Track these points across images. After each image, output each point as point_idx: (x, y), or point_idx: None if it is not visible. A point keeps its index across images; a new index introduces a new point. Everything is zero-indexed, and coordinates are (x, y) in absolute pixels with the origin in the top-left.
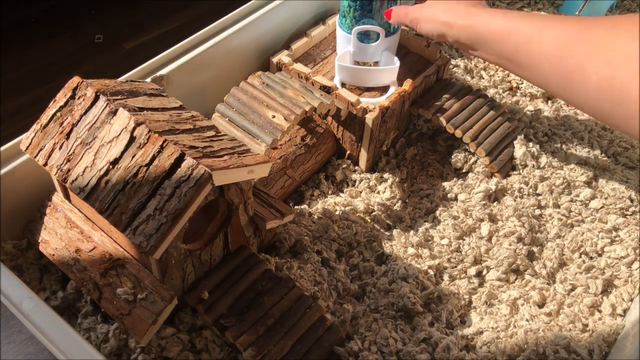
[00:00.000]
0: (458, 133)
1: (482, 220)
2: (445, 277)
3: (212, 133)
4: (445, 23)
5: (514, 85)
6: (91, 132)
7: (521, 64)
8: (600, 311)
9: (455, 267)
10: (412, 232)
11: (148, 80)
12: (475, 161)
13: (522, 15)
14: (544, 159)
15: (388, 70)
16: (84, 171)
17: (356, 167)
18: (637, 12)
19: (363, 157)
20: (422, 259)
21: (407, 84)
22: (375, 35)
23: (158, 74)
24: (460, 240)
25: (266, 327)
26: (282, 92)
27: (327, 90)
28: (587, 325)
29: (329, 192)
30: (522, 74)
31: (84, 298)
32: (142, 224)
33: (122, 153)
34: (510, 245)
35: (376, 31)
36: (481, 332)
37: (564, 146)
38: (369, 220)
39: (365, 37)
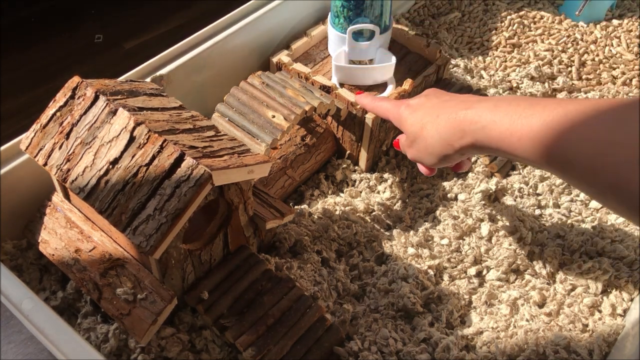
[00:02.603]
0: None
1: (482, 220)
2: (445, 277)
3: (212, 133)
4: (441, 147)
5: (514, 85)
6: (91, 132)
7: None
8: (600, 311)
9: (455, 267)
10: (412, 232)
11: (148, 80)
12: (475, 161)
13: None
14: None
15: (385, 67)
16: (83, 171)
17: (356, 167)
18: (637, 12)
19: (363, 157)
20: (422, 259)
21: (407, 84)
22: (369, 33)
23: (158, 73)
24: (460, 240)
25: (266, 327)
26: (282, 92)
27: (327, 90)
28: (587, 325)
29: (329, 192)
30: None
31: (83, 298)
32: (142, 224)
33: (122, 153)
34: (510, 245)
35: (370, 29)
36: (481, 332)
37: None
38: (369, 220)
39: (359, 36)
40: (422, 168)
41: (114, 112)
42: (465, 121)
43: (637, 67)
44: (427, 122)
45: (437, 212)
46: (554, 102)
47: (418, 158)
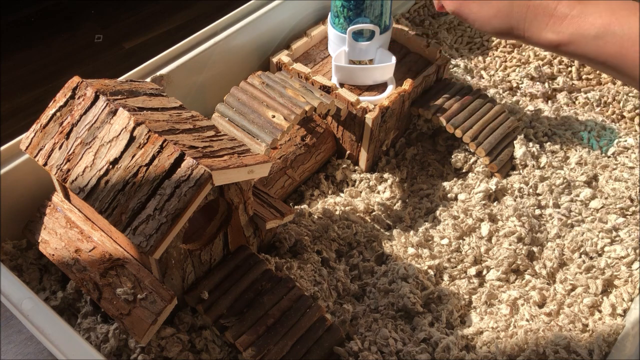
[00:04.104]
0: (458, 133)
1: (482, 220)
2: (445, 277)
3: (212, 133)
4: (516, 30)
5: (514, 85)
6: (91, 132)
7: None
8: (600, 311)
9: (455, 267)
10: (412, 232)
11: (148, 80)
12: (475, 161)
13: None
14: (544, 159)
15: (385, 67)
16: (83, 171)
17: (356, 167)
18: None
19: (363, 157)
20: (422, 259)
21: (407, 84)
22: (369, 33)
23: (158, 73)
24: (460, 240)
25: (266, 327)
26: (282, 92)
27: (327, 90)
28: (587, 325)
29: (329, 192)
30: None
31: (83, 298)
32: (142, 224)
33: (122, 153)
34: (510, 245)
35: (371, 29)
36: (481, 332)
37: (564, 146)
38: (369, 220)
39: (359, 36)
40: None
41: (114, 112)
42: (568, 24)
43: None
44: None
45: (437, 212)
46: None
47: (469, 17)
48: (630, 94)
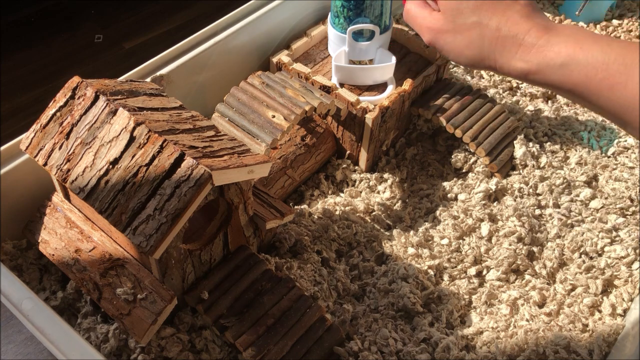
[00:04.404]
0: (458, 133)
1: (482, 220)
2: (445, 277)
3: (212, 133)
4: (486, 61)
5: (514, 85)
6: (91, 132)
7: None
8: (600, 311)
9: (455, 267)
10: (412, 232)
11: (148, 80)
12: (475, 161)
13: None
14: (544, 159)
15: (385, 67)
16: (83, 171)
17: (356, 167)
18: (637, 12)
19: (363, 157)
20: (422, 259)
21: (407, 84)
22: (369, 33)
23: (158, 73)
24: (460, 240)
25: (266, 327)
26: (282, 92)
27: (327, 90)
28: (587, 325)
29: (329, 192)
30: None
31: (83, 298)
32: (142, 224)
33: (122, 153)
34: (510, 245)
35: (371, 29)
36: (481, 332)
37: (564, 146)
38: (369, 220)
39: (359, 36)
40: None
41: (114, 112)
42: (535, 52)
43: None
44: (482, 23)
45: (437, 212)
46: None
47: (443, 48)
48: None
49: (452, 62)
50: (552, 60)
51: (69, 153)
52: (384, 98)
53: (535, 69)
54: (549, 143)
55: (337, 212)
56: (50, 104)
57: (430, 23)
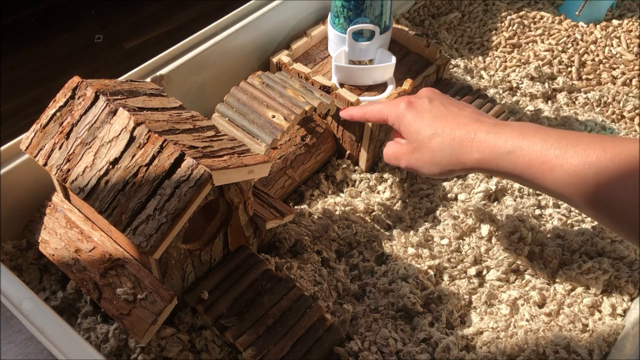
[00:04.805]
0: None
1: (482, 220)
2: (445, 277)
3: (212, 133)
4: (450, 162)
5: (514, 85)
6: (91, 132)
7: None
8: (600, 311)
9: (455, 267)
10: (412, 232)
11: (148, 80)
12: None
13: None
14: None
15: (385, 67)
16: (83, 171)
17: (356, 167)
18: (637, 12)
19: (363, 157)
20: (422, 259)
21: (407, 84)
22: (369, 33)
23: (158, 73)
24: (460, 240)
25: (266, 327)
26: (282, 92)
27: (327, 90)
28: (587, 325)
29: (329, 192)
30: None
31: (83, 298)
32: (142, 224)
33: (122, 153)
34: (510, 245)
35: (371, 29)
36: (481, 332)
37: None
38: (369, 220)
39: (359, 36)
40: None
41: (114, 112)
42: (486, 144)
43: (637, 67)
44: (438, 133)
45: (437, 212)
46: (586, 140)
47: (416, 167)
48: (630, 94)
49: (452, 62)
50: (501, 148)
51: (69, 153)
52: (384, 98)
53: (489, 158)
54: None
55: (337, 212)
56: (50, 104)
57: (401, 151)
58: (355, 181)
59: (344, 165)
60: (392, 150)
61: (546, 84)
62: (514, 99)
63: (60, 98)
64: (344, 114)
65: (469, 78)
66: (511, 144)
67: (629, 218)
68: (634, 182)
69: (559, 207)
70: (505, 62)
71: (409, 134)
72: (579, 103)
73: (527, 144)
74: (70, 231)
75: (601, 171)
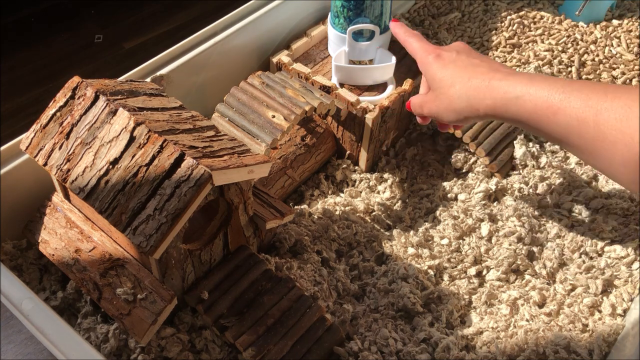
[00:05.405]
0: (458, 133)
1: (482, 220)
2: (445, 277)
3: (212, 133)
4: (465, 108)
5: None
6: (91, 132)
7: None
8: (600, 311)
9: (455, 267)
10: (412, 232)
11: (148, 80)
12: (475, 161)
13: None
14: (544, 159)
15: (385, 67)
16: (83, 171)
17: (356, 167)
18: (637, 12)
19: (363, 157)
20: (422, 259)
21: (407, 84)
22: (369, 33)
23: (158, 73)
24: (460, 240)
25: (266, 327)
26: (282, 92)
27: (327, 90)
28: (587, 325)
29: (329, 192)
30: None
31: (83, 298)
32: (142, 224)
33: (122, 153)
34: (510, 245)
35: (371, 29)
36: (481, 332)
37: None
38: (369, 220)
39: (359, 36)
40: (420, 119)
41: (114, 112)
42: (498, 90)
43: (637, 67)
44: (457, 81)
45: (437, 212)
46: (590, 86)
47: (436, 113)
48: None
49: None
50: (510, 93)
51: (69, 153)
52: (384, 98)
53: (499, 103)
54: (549, 143)
55: (337, 212)
56: (50, 104)
57: (424, 99)
58: (355, 181)
59: (344, 165)
60: (417, 100)
61: None
62: None
63: (60, 98)
64: (393, 26)
65: None
66: (520, 90)
67: (624, 160)
68: (632, 123)
69: (559, 207)
70: (505, 62)
71: (433, 82)
72: None
73: (535, 90)
74: (70, 231)
75: (600, 112)
